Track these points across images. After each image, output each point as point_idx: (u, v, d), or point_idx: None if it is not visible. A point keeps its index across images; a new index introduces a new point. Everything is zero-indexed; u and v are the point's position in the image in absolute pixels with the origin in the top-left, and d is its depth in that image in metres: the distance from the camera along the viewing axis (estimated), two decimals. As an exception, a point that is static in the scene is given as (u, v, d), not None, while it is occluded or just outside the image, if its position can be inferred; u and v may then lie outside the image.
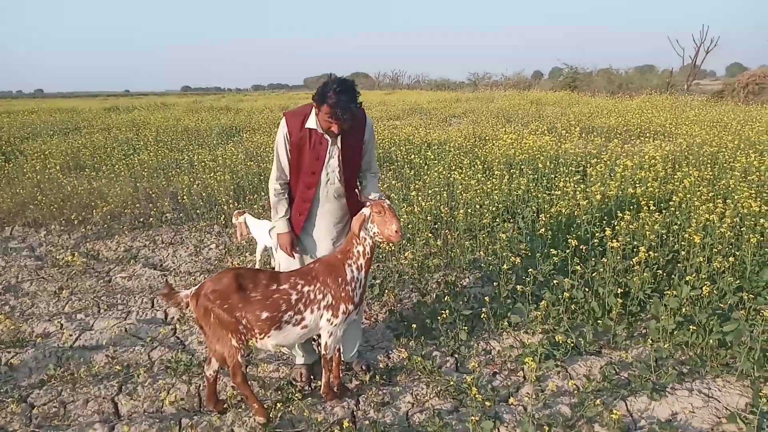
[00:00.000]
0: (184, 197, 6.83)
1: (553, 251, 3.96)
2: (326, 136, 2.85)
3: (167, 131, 14.14)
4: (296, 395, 2.94)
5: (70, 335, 3.79)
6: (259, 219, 4.97)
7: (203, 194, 6.98)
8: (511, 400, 2.92)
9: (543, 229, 4.29)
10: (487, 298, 3.66)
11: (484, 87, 43.91)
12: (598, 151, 8.59)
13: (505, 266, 3.76)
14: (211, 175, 7.42)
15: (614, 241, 3.84)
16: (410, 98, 31.55)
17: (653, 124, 12.94)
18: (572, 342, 3.22)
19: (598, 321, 3.62)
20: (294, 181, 2.98)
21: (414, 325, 3.56)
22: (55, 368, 3.33)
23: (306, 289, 2.80)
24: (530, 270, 3.88)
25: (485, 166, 7.55)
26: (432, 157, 8.49)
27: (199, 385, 3.16)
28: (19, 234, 6.27)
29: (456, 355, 3.47)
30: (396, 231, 2.70)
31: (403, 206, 5.69)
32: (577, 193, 5.59)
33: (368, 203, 2.79)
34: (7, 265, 5.24)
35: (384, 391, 3.07)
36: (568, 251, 3.93)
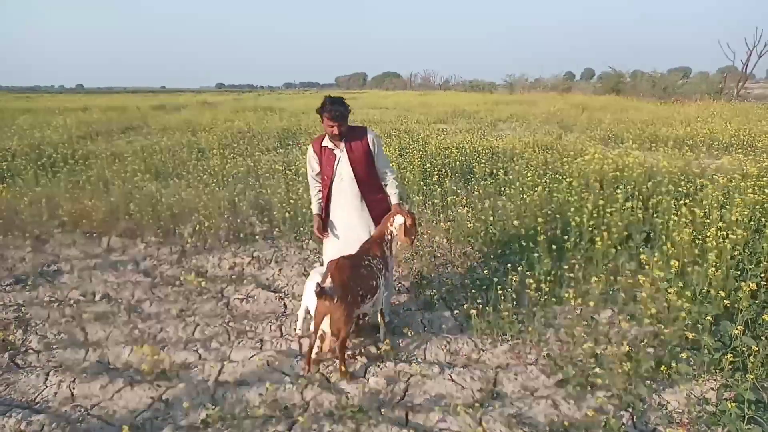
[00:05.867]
0: (277, 212, 6.68)
1: (722, 293, 3.69)
2: (335, 152, 3.88)
3: (224, 133, 14.14)
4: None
5: (212, 367, 3.66)
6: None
7: (291, 205, 6.77)
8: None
9: (711, 267, 3.97)
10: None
11: (522, 89, 43.31)
12: (690, 167, 8.19)
13: (681, 314, 3.49)
14: (297, 185, 7.27)
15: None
16: (447, 100, 31.16)
17: (725, 136, 12.42)
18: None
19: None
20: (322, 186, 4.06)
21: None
22: (212, 407, 3.21)
23: None
24: (695, 312, 3.62)
25: (570, 181, 7.20)
26: (516, 169, 8.25)
27: (370, 435, 2.99)
28: (117, 246, 6.20)
29: (630, 409, 3.23)
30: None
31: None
32: (710, 217, 5.25)
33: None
34: (118, 281, 5.17)
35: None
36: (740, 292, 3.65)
